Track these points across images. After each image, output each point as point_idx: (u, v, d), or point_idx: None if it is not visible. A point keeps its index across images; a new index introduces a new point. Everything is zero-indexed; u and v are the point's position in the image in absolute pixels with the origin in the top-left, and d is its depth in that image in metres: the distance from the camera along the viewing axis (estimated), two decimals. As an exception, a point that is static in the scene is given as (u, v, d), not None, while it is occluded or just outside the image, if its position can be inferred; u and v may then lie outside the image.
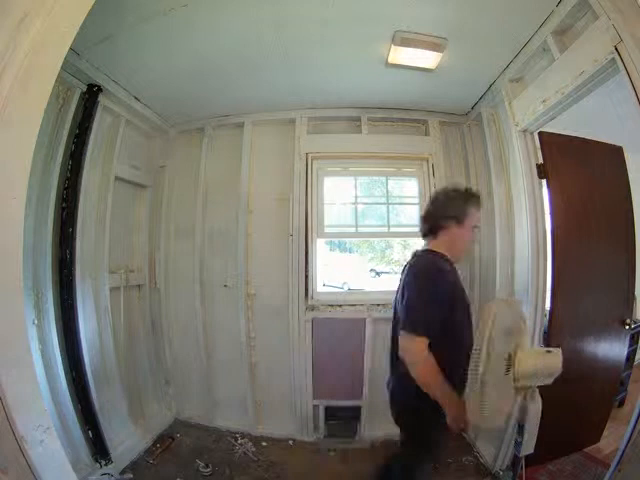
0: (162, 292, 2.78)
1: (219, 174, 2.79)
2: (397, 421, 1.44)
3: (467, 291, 2.61)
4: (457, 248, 1.37)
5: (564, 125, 1.96)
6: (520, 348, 1.11)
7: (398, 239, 3.00)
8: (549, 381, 1.14)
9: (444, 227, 1.34)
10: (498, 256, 2.36)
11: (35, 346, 1.78)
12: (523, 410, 1.18)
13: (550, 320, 1.95)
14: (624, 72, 1.32)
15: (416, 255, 1.41)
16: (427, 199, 2.59)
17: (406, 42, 1.85)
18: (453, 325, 1.24)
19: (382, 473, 1.55)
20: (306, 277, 2.57)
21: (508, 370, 1.09)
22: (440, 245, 1.36)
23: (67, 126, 1.97)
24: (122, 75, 2.13)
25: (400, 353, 1.25)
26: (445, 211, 1.35)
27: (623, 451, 1.37)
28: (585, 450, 2.18)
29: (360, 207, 2.88)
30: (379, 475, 1.56)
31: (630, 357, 2.57)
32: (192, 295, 2.71)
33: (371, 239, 4.08)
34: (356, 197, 2.83)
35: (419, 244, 2.74)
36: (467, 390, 1.10)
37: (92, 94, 2.06)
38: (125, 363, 2.42)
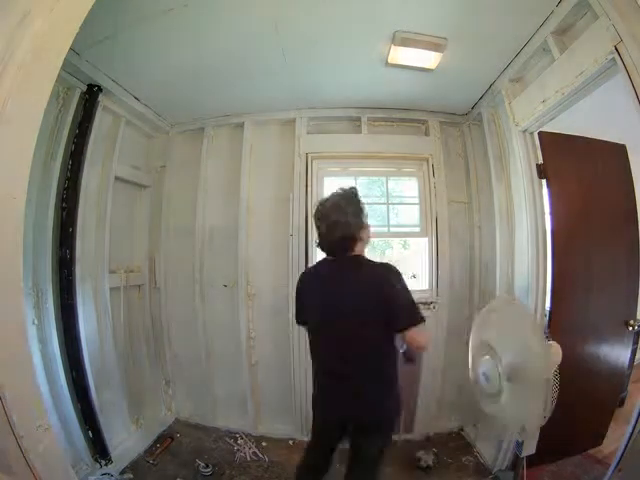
0: (162, 292, 2.78)
1: (219, 174, 2.78)
2: (375, 427, 1.38)
3: (467, 292, 2.64)
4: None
5: (564, 125, 1.96)
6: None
7: (398, 239, 2.98)
8: None
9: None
10: (498, 256, 2.36)
11: (35, 346, 1.78)
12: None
13: (550, 320, 1.95)
14: (624, 72, 1.32)
15: (361, 262, 1.44)
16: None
17: (406, 42, 1.85)
18: None
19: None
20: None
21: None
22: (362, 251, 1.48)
23: (67, 126, 1.97)
24: (122, 75, 2.13)
25: (421, 344, 1.30)
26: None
27: (623, 451, 1.37)
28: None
29: (360, 207, 2.87)
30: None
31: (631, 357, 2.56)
32: (192, 295, 2.71)
33: (371, 239, 4.05)
34: (356, 197, 2.83)
35: (419, 244, 2.79)
36: None
37: (92, 94, 2.06)
38: (125, 363, 2.42)
